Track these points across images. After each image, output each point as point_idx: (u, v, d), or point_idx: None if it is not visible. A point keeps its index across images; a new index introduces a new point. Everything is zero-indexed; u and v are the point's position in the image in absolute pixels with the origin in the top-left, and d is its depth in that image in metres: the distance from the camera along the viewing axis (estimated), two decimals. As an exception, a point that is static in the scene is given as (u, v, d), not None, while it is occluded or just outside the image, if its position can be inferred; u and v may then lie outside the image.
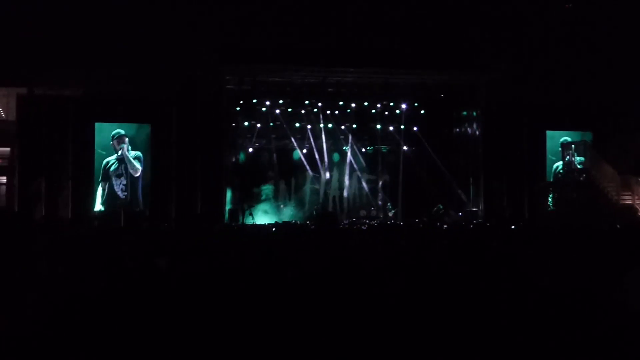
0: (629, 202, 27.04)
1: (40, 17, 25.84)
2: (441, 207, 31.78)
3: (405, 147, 34.25)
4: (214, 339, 5.52)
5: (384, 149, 34.87)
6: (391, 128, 34.11)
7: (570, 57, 27.48)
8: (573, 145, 29.44)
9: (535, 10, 26.36)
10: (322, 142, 33.84)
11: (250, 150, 33.20)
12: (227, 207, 30.05)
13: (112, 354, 5.31)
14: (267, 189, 32.45)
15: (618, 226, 13.35)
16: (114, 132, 27.98)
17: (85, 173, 27.92)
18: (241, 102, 31.85)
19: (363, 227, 25.75)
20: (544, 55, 27.53)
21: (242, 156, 33.45)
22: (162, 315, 5.76)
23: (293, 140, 33.47)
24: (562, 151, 29.83)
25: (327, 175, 33.88)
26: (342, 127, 33.82)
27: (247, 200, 31.47)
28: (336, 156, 34.49)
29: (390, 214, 32.45)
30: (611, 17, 28.04)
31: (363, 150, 34.80)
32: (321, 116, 33.31)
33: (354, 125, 33.94)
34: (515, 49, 27.82)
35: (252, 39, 27.55)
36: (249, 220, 29.79)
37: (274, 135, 33.31)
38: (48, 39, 25.94)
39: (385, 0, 27.03)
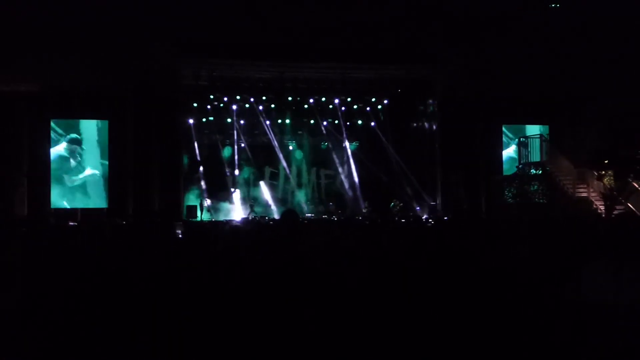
0: (584, 194, 27.35)
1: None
2: (397, 202, 31.95)
3: (355, 142, 34.52)
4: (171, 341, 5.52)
5: (329, 143, 34.98)
6: (348, 123, 34.25)
7: (527, 51, 27.68)
8: (530, 140, 29.71)
9: (492, 3, 26.49)
10: (281, 138, 33.94)
11: (212, 146, 33.19)
12: (186, 203, 30.00)
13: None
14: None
15: (573, 218, 13.52)
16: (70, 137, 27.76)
17: (41, 170, 27.65)
18: (198, 98, 31.78)
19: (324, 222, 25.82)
20: (501, 49, 27.70)
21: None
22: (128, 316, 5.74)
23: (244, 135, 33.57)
24: (519, 146, 30.10)
25: (287, 171, 34.01)
26: (301, 122, 33.92)
27: (207, 196, 31.43)
28: (298, 153, 34.58)
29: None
30: (567, 10, 28.28)
31: (320, 145, 34.91)
32: (279, 112, 33.38)
33: (312, 121, 34.01)
34: (472, 43, 27.95)
35: (208, 34, 27.37)
36: (206, 216, 29.74)
37: (231, 131, 33.29)
38: (2, 35, 25.58)
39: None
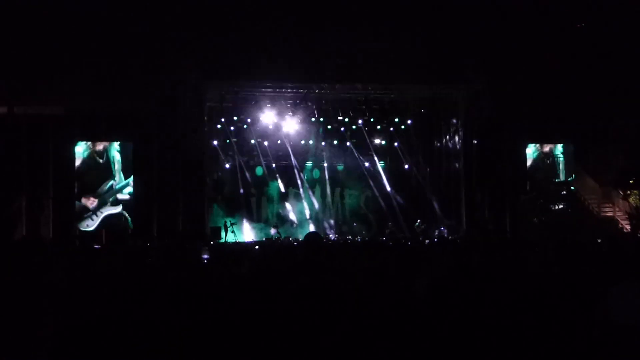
0: (610, 214, 27.19)
1: (18, 36, 25.70)
2: (421, 222, 31.83)
3: (380, 162, 34.50)
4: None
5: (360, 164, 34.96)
6: (372, 143, 34.24)
7: (552, 70, 27.59)
8: (555, 158, 29.54)
9: (516, 23, 26.47)
10: (304, 159, 34.00)
11: (227, 166, 33.26)
12: (210, 224, 30.01)
13: None
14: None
15: (599, 240, 13.40)
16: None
17: (66, 192, 27.77)
18: (222, 119, 31.89)
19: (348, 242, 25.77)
20: (525, 68, 27.62)
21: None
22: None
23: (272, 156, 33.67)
24: (544, 164, 29.91)
25: (311, 192, 34.02)
26: (323, 143, 33.93)
27: (229, 217, 31.46)
28: (316, 172, 34.57)
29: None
30: (591, 30, 28.19)
31: (342, 166, 34.91)
32: (302, 132, 33.43)
33: (335, 141, 34.04)
34: (496, 62, 27.90)
35: (233, 55, 27.48)
36: (230, 238, 29.74)
37: (255, 152, 33.41)
38: (27, 58, 25.79)
39: (363, 16, 27.04)
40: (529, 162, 31.11)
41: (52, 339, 5.67)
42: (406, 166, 34.19)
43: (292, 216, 33.70)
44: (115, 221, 27.48)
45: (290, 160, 33.66)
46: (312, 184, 34.36)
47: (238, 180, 33.29)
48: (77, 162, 26.59)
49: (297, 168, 33.82)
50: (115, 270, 8.91)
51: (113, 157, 26.08)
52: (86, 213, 25.34)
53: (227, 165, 33.24)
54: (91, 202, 26.91)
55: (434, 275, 6.60)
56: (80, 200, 26.15)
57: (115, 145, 27.52)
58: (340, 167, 34.90)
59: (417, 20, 27.03)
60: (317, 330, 5.14)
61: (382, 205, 34.08)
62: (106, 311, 6.24)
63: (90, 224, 26.09)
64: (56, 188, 27.64)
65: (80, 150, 27.05)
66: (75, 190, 27.40)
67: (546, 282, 6.96)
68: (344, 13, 26.75)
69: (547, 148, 30.82)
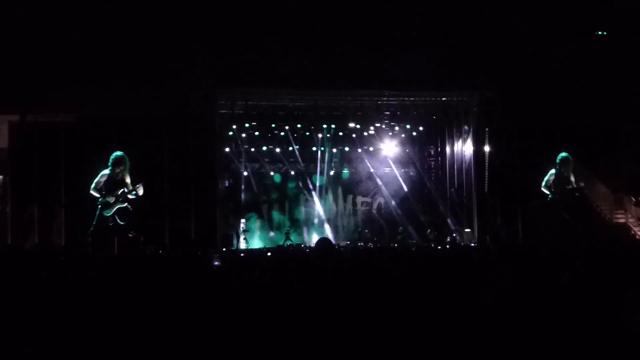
0: (622, 220, 27.07)
1: (30, 44, 25.84)
2: (433, 229, 31.81)
3: (390, 169, 34.54)
4: None
5: (372, 171, 35.03)
6: (383, 150, 34.30)
7: (563, 76, 27.57)
8: (567, 164, 29.46)
9: (529, 30, 26.48)
10: (314, 165, 34.04)
11: (245, 174, 33.35)
12: (221, 231, 30.02)
13: None
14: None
15: (611, 246, 13.32)
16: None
17: (78, 200, 27.83)
18: (234, 126, 31.96)
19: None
20: (536, 75, 27.60)
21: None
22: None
23: (285, 163, 33.75)
24: (556, 170, 29.83)
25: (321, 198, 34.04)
26: (334, 150, 33.99)
27: (240, 224, 31.53)
28: (320, 179, 34.49)
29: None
30: (601, 38, 28.18)
31: (352, 172, 34.96)
32: (313, 139, 33.51)
33: (346, 148, 34.11)
34: (508, 69, 27.89)
35: (244, 63, 27.57)
36: (242, 245, 29.79)
37: (267, 159, 33.50)
38: (39, 66, 25.92)
39: (375, 24, 27.11)
40: (540, 169, 31.03)
41: (57, 345, 5.70)
42: (416, 173, 34.19)
43: (304, 223, 33.75)
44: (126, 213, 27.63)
45: (301, 166, 33.76)
46: (324, 190, 34.36)
47: (250, 187, 33.40)
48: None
49: (307, 175, 33.90)
50: (127, 277, 8.93)
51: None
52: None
53: (243, 173, 33.33)
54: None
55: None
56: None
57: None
58: (346, 173, 34.93)
59: (428, 27, 27.09)
60: (334, 338, 5.13)
61: (393, 212, 34.13)
62: (116, 318, 6.25)
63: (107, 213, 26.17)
64: (68, 196, 27.70)
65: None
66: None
67: (558, 289, 6.96)
68: (355, 21, 26.83)
69: (558, 154, 30.73)
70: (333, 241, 7.77)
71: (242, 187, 33.28)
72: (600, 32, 27.68)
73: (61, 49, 25.91)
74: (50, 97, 27.09)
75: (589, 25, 28.12)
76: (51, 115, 28.07)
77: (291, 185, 34.08)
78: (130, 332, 5.91)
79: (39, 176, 27.59)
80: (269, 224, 33.26)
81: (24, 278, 7.86)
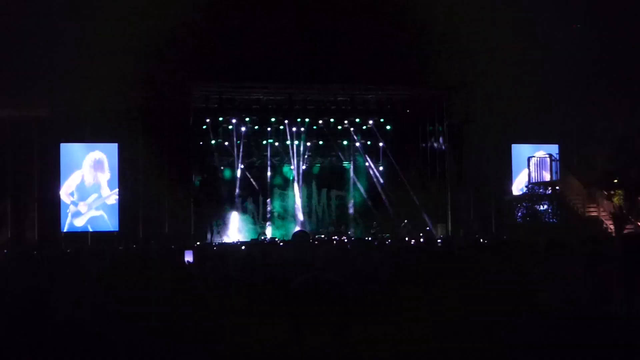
0: (595, 214, 27.29)
1: (1, 37, 25.58)
2: (407, 223, 31.90)
3: (364, 163, 34.61)
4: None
5: (346, 165, 35.12)
6: (357, 144, 34.37)
7: (535, 71, 27.68)
8: (539, 159, 29.66)
9: (500, 25, 26.55)
10: (290, 159, 34.04)
11: (220, 168, 33.33)
12: (195, 226, 29.97)
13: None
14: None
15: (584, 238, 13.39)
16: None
17: (51, 194, 27.67)
18: (207, 120, 31.91)
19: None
20: (509, 69, 27.69)
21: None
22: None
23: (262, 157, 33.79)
24: (528, 165, 30.02)
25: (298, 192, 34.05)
26: (308, 143, 34.01)
27: (215, 217, 31.49)
28: (293, 173, 34.46)
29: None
30: (574, 31, 28.36)
31: (332, 166, 35.04)
32: (287, 133, 33.51)
33: (320, 142, 34.15)
34: (481, 63, 27.96)
35: (218, 56, 27.46)
36: (216, 239, 29.76)
37: (241, 153, 33.44)
38: (9, 60, 25.66)
39: (349, 18, 27.12)
40: (513, 163, 31.22)
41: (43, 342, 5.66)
42: (390, 167, 34.27)
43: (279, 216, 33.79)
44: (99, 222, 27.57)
45: (275, 160, 33.81)
46: (298, 183, 34.34)
47: (224, 181, 33.39)
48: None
49: (281, 168, 33.97)
50: (101, 272, 8.89)
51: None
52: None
53: (218, 167, 33.31)
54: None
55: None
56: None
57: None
58: (317, 167, 35.00)
59: (402, 21, 27.11)
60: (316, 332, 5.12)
61: (367, 206, 34.22)
62: (92, 314, 6.22)
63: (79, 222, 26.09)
64: (41, 190, 27.54)
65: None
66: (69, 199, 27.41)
67: (532, 282, 6.98)
68: (328, 15, 26.82)
69: (531, 149, 30.94)
70: (308, 234, 7.80)
71: (216, 181, 33.20)
72: (574, 25, 27.84)
73: (33, 42, 25.67)
74: (22, 90, 26.82)
75: (561, 17, 28.27)
76: (23, 110, 27.85)
77: (265, 178, 34.02)
78: (104, 326, 5.88)
79: (11, 170, 27.40)
80: (243, 217, 33.18)
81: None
